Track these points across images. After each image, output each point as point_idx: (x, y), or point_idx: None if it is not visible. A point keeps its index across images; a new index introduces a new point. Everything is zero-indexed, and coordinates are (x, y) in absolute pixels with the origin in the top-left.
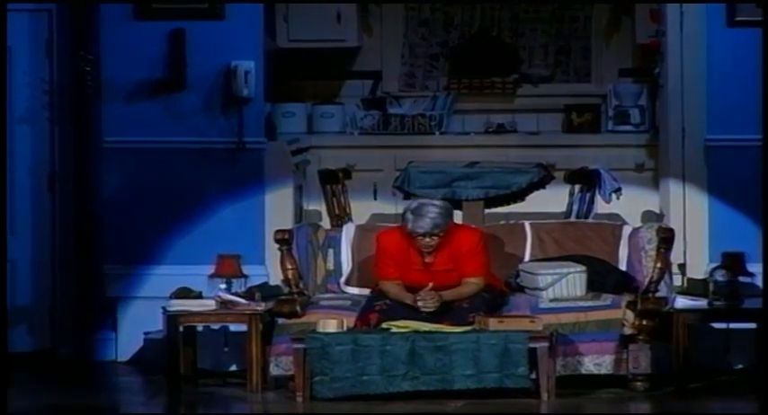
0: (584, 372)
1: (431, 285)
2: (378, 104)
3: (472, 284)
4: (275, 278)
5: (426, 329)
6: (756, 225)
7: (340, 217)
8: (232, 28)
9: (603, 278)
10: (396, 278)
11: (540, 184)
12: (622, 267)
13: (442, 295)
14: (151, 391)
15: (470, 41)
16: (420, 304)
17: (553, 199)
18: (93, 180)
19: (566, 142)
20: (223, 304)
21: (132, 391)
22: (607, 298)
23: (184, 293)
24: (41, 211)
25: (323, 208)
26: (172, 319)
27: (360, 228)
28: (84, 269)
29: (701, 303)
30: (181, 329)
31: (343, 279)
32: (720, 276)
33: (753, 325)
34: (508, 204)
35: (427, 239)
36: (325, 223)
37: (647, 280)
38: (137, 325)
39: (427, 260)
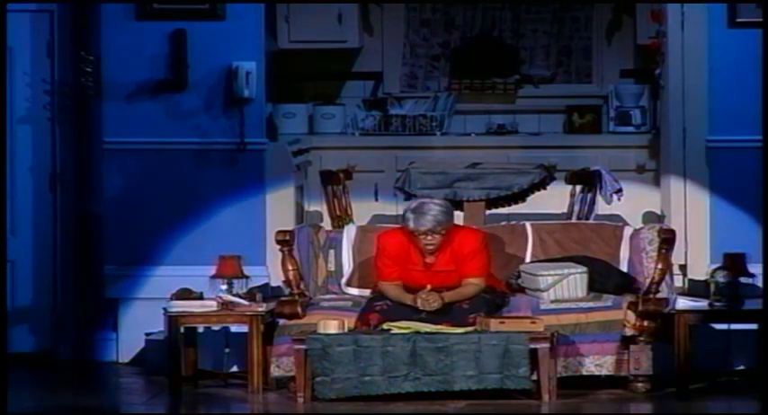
0: (585, 373)
1: (429, 286)
2: (379, 105)
3: (473, 285)
4: (276, 278)
5: (427, 330)
6: (757, 225)
7: (341, 218)
8: (233, 28)
9: (604, 278)
10: (396, 279)
11: (541, 185)
12: (623, 268)
13: (443, 296)
14: (152, 391)
15: (472, 42)
16: (419, 303)
17: (554, 200)
18: (95, 180)
19: (567, 143)
20: (224, 304)
21: (133, 391)
22: (608, 299)
23: (185, 294)
24: (42, 212)
25: (324, 209)
26: (173, 320)
27: (361, 229)
28: (84, 270)
29: (702, 304)
30: (182, 330)
31: (344, 280)
32: (721, 277)
33: (754, 326)
34: (509, 205)
35: (429, 237)
36: (326, 224)
37: (647, 281)
38: (138, 326)
39: (428, 260)
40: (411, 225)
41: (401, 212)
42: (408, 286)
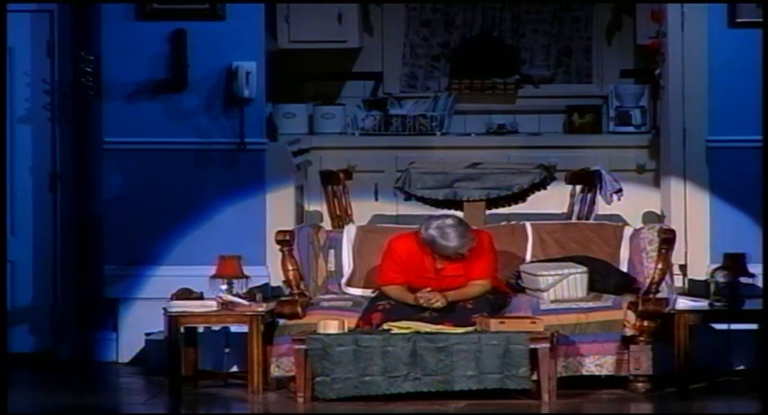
0: (585, 373)
1: (429, 288)
2: (379, 105)
3: (478, 285)
4: (276, 278)
5: (427, 330)
6: (757, 225)
7: (341, 218)
8: (233, 28)
9: (604, 278)
10: (399, 284)
11: (541, 185)
12: (623, 268)
13: (446, 295)
14: (152, 391)
15: (472, 42)
16: (422, 302)
17: (554, 200)
18: (95, 180)
19: (567, 143)
20: (224, 304)
21: (133, 391)
22: (608, 299)
23: (185, 294)
24: (42, 212)
25: (324, 209)
26: (173, 320)
27: (361, 229)
28: (85, 270)
29: (702, 304)
30: (182, 330)
31: (344, 280)
32: (721, 277)
33: (754, 326)
34: (509, 205)
35: (468, 253)
36: (326, 224)
37: (648, 281)
38: (138, 326)
39: (439, 265)
40: (450, 251)
41: (401, 212)
42: (416, 290)
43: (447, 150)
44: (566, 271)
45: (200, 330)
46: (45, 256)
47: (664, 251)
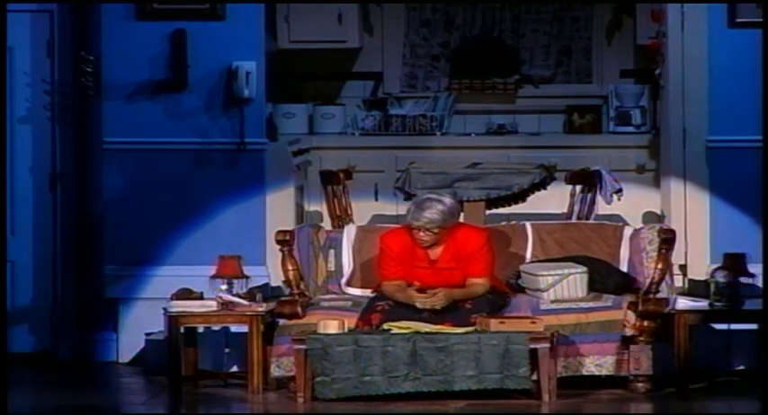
0: (585, 373)
1: (433, 292)
2: (379, 105)
3: (479, 284)
4: (276, 278)
5: (427, 330)
6: (757, 225)
7: (341, 218)
8: (233, 28)
9: (604, 278)
10: (398, 278)
11: (541, 185)
12: (623, 268)
13: (452, 293)
14: (152, 391)
15: (472, 42)
16: (419, 304)
17: (554, 200)
18: (95, 180)
19: (567, 143)
20: (224, 304)
21: (133, 391)
22: (608, 299)
23: (185, 294)
24: (42, 212)
25: (324, 209)
26: (173, 320)
27: (361, 229)
28: (85, 270)
29: (702, 304)
30: (182, 330)
31: (344, 280)
32: (721, 277)
33: (754, 326)
34: (509, 205)
35: (421, 233)
36: (326, 224)
37: (648, 281)
38: (138, 326)
39: (432, 257)
40: (408, 217)
41: (401, 212)
42: (413, 283)
43: (447, 150)
44: (566, 271)
45: (200, 330)
46: (45, 256)
47: (664, 251)
